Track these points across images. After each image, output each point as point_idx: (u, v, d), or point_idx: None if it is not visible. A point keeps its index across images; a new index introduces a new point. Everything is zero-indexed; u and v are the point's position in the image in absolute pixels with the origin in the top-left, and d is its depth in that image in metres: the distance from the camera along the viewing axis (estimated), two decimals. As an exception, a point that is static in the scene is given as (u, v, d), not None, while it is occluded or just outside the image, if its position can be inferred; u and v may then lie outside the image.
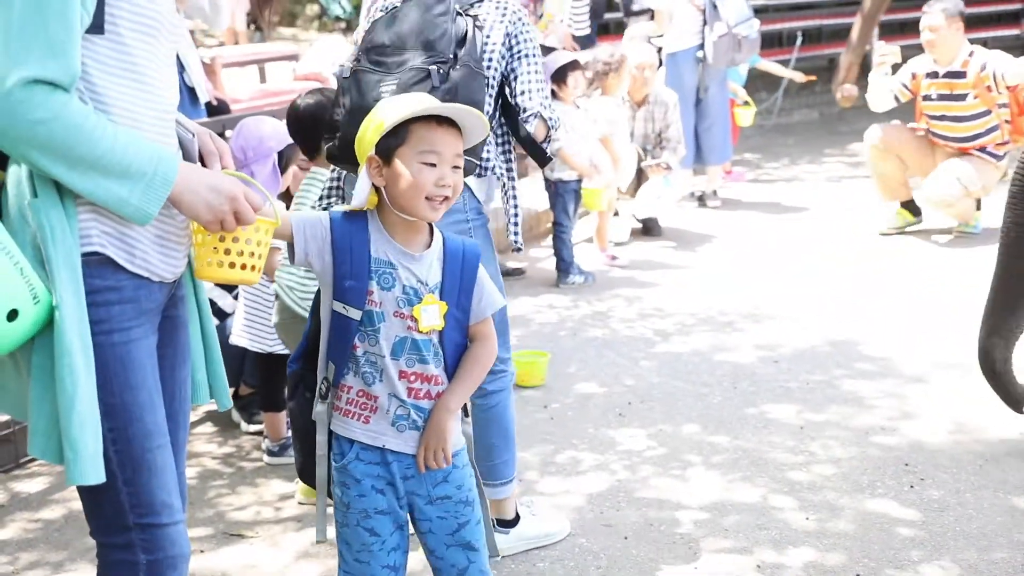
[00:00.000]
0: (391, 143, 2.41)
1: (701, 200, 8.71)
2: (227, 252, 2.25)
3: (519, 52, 3.44)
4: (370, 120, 2.46)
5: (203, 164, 2.36)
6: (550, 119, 3.43)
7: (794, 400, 4.77)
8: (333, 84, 7.39)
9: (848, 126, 11.83)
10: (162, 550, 2.24)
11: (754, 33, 8.35)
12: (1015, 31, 13.51)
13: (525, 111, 3.41)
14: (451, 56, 3.12)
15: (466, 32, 3.19)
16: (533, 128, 3.41)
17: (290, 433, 3.83)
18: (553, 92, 6.58)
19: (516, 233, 3.57)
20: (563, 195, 6.81)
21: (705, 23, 8.30)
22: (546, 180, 6.89)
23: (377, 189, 2.46)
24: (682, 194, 8.18)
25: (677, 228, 7.94)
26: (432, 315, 2.45)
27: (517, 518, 3.60)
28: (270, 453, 4.31)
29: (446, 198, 2.43)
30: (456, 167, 2.45)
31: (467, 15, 3.24)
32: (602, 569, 3.46)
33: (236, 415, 4.68)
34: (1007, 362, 4.03)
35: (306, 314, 3.86)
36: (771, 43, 12.48)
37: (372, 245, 2.45)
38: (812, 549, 3.53)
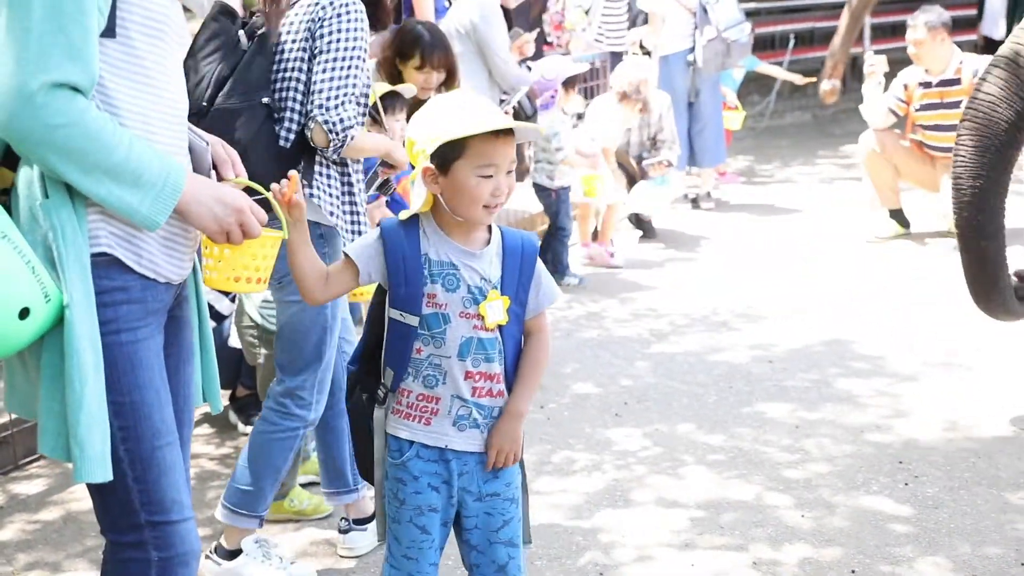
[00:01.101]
0: (448, 155, 2.38)
1: (695, 202, 8.74)
2: (233, 266, 2.30)
3: (316, 50, 3.23)
4: (424, 128, 2.43)
5: (217, 173, 2.40)
6: (331, 125, 3.20)
7: (789, 399, 4.80)
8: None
9: (841, 128, 11.89)
10: (173, 547, 2.26)
11: (744, 37, 8.39)
12: (972, 36, 13.59)
13: (306, 116, 3.25)
14: (203, 106, 3.12)
15: (235, 65, 3.17)
16: (310, 134, 3.23)
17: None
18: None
19: None
20: (566, 201, 6.94)
21: (696, 27, 8.35)
22: (543, 188, 6.91)
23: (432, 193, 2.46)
24: (677, 194, 8.21)
25: (671, 230, 7.97)
26: (497, 311, 2.44)
27: (238, 551, 3.49)
28: None
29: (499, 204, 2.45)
30: (510, 171, 2.45)
31: (257, 35, 3.22)
32: (599, 567, 3.49)
33: (233, 416, 4.69)
34: (997, 276, 4.04)
35: (271, 327, 3.89)
36: (764, 46, 12.50)
37: (432, 249, 2.44)
38: (808, 546, 3.56)
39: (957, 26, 14.70)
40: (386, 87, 5.07)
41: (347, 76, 3.23)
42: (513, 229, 2.58)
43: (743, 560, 3.49)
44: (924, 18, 7.08)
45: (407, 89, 4.82)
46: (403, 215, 2.50)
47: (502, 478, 2.54)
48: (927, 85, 7.20)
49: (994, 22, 13.30)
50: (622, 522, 3.77)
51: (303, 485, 4.02)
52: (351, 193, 3.44)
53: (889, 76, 7.41)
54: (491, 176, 2.39)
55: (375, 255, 2.45)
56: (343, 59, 3.24)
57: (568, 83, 7.04)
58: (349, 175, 3.44)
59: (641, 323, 5.98)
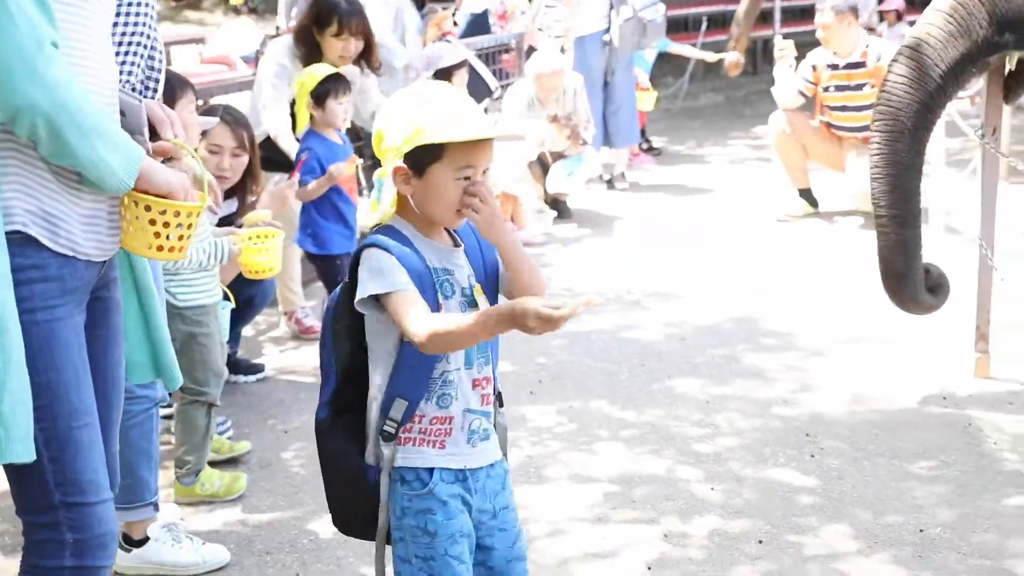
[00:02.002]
0: (425, 158, 2.21)
1: (609, 183, 8.82)
2: (156, 235, 2.27)
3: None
4: (398, 124, 2.24)
5: (152, 132, 2.37)
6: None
7: (699, 375, 4.89)
8: (241, 68, 7.41)
9: (752, 109, 12.06)
10: (89, 528, 2.24)
11: (660, 17, 8.51)
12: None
13: None
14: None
15: None
16: None
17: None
18: None
19: None
20: None
21: (612, 7, 8.41)
22: None
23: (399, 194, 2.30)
24: (593, 174, 8.27)
25: (586, 210, 8.03)
26: (486, 305, 2.27)
27: (146, 539, 3.44)
28: None
29: None
30: (486, 170, 2.28)
31: None
32: (513, 542, 3.53)
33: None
34: (911, 267, 4.19)
35: (176, 302, 3.81)
36: (677, 28, 12.62)
37: (426, 258, 2.26)
38: (717, 518, 3.64)
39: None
40: (329, 69, 5.02)
41: None
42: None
43: (654, 533, 3.55)
44: (832, 2, 7.23)
45: (351, 71, 4.81)
46: (370, 221, 2.35)
47: (507, 488, 2.40)
48: (834, 67, 7.35)
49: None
50: (536, 498, 3.81)
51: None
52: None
53: (799, 59, 7.55)
54: (468, 179, 2.23)
55: (394, 267, 2.20)
56: None
57: (445, 73, 6.53)
58: None
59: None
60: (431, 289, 2.22)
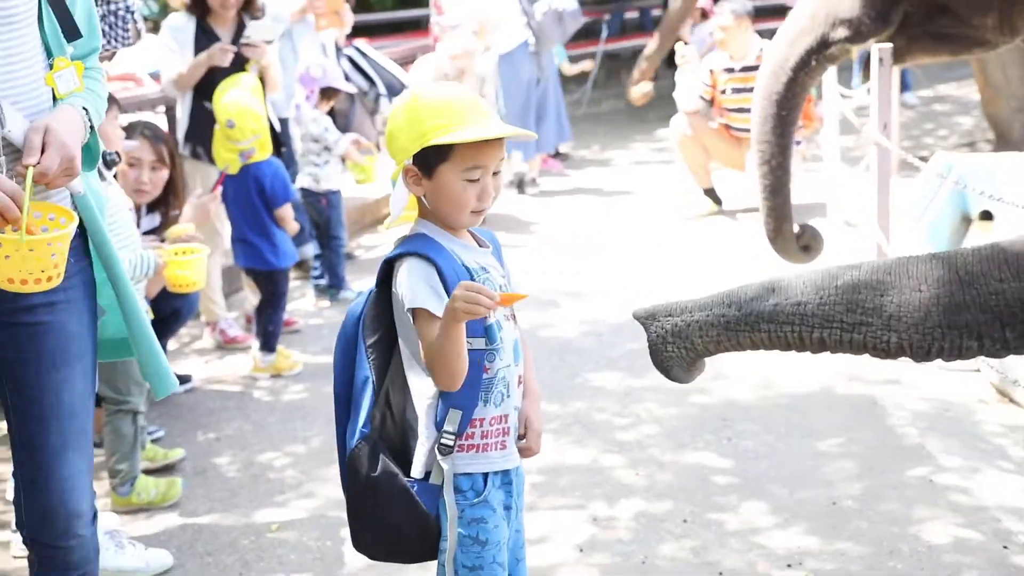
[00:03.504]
0: (433, 158, 2.20)
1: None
2: (29, 272, 2.20)
3: None
4: (408, 126, 2.23)
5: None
6: None
7: (617, 368, 5.07)
8: (148, 84, 7.39)
9: (655, 113, 12.32)
10: None
11: (572, 4, 8.71)
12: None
13: None
14: None
15: None
16: None
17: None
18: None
19: None
20: (336, 207, 6.38)
21: (524, 13, 8.59)
22: (310, 193, 6.25)
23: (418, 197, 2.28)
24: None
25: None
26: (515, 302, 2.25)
27: None
28: None
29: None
30: (496, 172, 2.26)
31: None
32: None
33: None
34: (781, 228, 4.82)
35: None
36: (577, 35, 12.86)
37: (462, 258, 2.24)
38: (642, 500, 3.81)
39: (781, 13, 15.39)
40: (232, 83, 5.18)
41: None
42: None
43: (583, 516, 3.72)
44: (730, 6, 7.50)
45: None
46: (386, 224, 2.35)
47: (522, 487, 2.40)
48: (731, 71, 7.62)
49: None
50: (468, 490, 3.94)
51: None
52: None
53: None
54: (478, 180, 2.21)
55: (437, 285, 2.18)
56: None
57: (328, 93, 6.35)
58: None
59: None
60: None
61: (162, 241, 4.28)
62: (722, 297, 2.46)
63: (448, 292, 2.16)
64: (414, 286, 2.18)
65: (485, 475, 2.27)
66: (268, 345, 5.18)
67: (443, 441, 2.23)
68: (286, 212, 5.14)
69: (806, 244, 4.97)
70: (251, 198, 5.08)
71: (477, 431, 2.26)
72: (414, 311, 2.18)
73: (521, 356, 2.35)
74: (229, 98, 5.02)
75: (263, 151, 5.09)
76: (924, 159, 5.61)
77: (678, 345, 2.45)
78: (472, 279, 2.21)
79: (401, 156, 2.25)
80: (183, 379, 5.05)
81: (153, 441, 4.28)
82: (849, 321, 2.31)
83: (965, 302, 2.23)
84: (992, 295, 2.21)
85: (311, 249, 6.52)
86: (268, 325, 5.17)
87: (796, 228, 4.82)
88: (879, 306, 2.28)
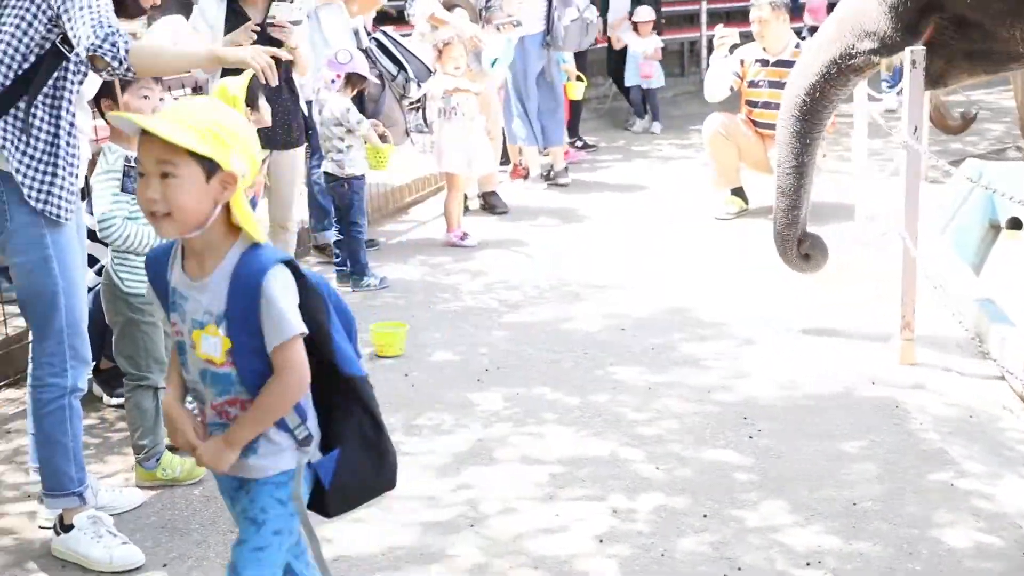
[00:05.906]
0: None
1: (549, 178, 8.98)
2: None
3: None
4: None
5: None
6: (110, 47, 3.11)
7: (639, 363, 5.07)
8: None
9: (679, 110, 12.34)
10: None
11: (595, 18, 8.77)
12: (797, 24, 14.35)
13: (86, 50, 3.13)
14: None
15: None
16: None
17: None
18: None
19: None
20: (359, 192, 6.36)
21: (551, 8, 8.60)
22: (332, 177, 6.29)
23: None
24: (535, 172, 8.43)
25: (523, 206, 8.19)
26: (211, 345, 2.30)
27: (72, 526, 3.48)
28: None
29: (166, 214, 2.24)
30: (166, 175, 2.22)
31: None
32: (469, 519, 3.68)
33: (98, 388, 4.70)
34: (785, 232, 5.16)
35: (123, 288, 3.93)
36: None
37: (170, 273, 2.39)
38: (662, 494, 3.82)
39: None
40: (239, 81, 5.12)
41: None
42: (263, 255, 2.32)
43: (603, 508, 3.72)
44: None
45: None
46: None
47: (250, 497, 2.47)
48: (764, 63, 7.58)
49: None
50: (488, 478, 3.96)
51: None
52: (54, 155, 3.30)
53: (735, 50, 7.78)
54: (143, 174, 2.25)
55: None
56: None
57: (354, 80, 6.32)
58: (58, 136, 3.31)
59: (497, 295, 6.18)
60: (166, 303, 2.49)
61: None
62: None
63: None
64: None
65: None
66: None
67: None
68: None
69: (807, 253, 5.06)
70: None
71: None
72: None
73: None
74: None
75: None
76: (954, 164, 5.60)
77: None
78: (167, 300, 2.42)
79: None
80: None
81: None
82: None
83: None
84: None
85: (332, 235, 6.55)
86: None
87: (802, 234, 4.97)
88: None
